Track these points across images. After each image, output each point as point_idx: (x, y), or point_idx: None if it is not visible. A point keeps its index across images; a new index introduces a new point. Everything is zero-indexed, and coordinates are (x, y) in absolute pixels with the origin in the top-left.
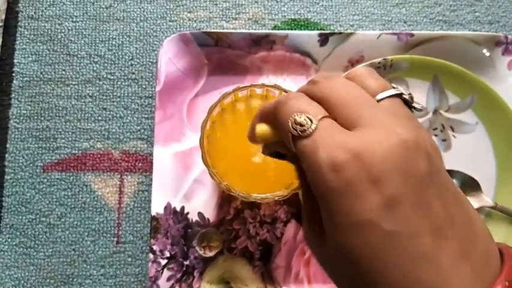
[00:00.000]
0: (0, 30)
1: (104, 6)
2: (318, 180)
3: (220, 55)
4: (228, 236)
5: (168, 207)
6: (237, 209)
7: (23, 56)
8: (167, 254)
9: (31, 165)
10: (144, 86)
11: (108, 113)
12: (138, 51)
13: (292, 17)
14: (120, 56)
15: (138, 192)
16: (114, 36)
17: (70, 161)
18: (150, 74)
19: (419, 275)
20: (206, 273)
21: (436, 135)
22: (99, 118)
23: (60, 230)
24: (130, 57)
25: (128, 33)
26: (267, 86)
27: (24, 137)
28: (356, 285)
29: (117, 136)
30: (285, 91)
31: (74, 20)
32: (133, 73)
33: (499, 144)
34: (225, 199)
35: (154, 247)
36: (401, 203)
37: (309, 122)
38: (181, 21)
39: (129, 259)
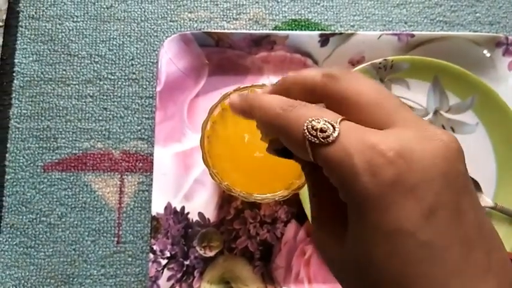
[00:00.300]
0: (1, 30)
1: (104, 6)
2: (352, 186)
3: (221, 55)
4: (229, 236)
5: (168, 207)
6: (238, 209)
7: (23, 55)
8: (167, 254)
9: (32, 165)
10: (144, 86)
11: (108, 113)
12: (138, 51)
13: (293, 17)
14: (121, 56)
15: (138, 192)
16: (114, 36)
17: (70, 161)
18: (151, 74)
19: (450, 287)
20: (206, 273)
21: None
22: (100, 118)
23: (60, 229)
24: (131, 57)
25: (129, 33)
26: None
27: (25, 136)
28: None
29: (118, 136)
30: None
31: (75, 20)
32: (134, 73)
33: (499, 144)
34: (225, 199)
35: (155, 247)
36: (440, 212)
37: (330, 127)
38: (182, 21)
39: (130, 259)
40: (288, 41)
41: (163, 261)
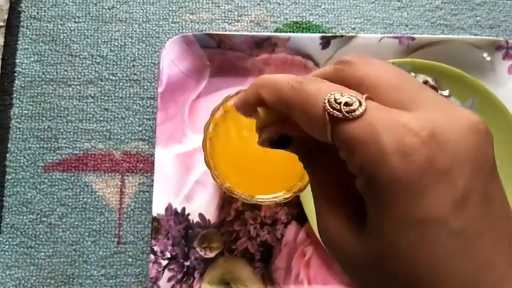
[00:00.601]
0: (3, 30)
1: (106, 7)
2: (378, 169)
3: (222, 57)
4: (229, 237)
5: (169, 208)
6: (238, 211)
7: (25, 56)
8: (168, 255)
9: (32, 165)
10: (146, 87)
11: (109, 113)
12: (140, 53)
13: (294, 19)
14: (123, 57)
15: (139, 193)
16: (116, 37)
17: (71, 161)
18: (152, 75)
19: (479, 279)
20: (207, 274)
21: None
22: (101, 119)
23: (61, 230)
24: (133, 58)
25: (130, 35)
26: None
27: (26, 137)
28: None
29: (119, 137)
30: None
31: (77, 20)
32: (135, 74)
33: (499, 147)
34: (225, 200)
35: (155, 248)
36: (471, 198)
37: (357, 101)
38: (184, 23)
39: (130, 260)
40: (289, 43)
41: (164, 262)
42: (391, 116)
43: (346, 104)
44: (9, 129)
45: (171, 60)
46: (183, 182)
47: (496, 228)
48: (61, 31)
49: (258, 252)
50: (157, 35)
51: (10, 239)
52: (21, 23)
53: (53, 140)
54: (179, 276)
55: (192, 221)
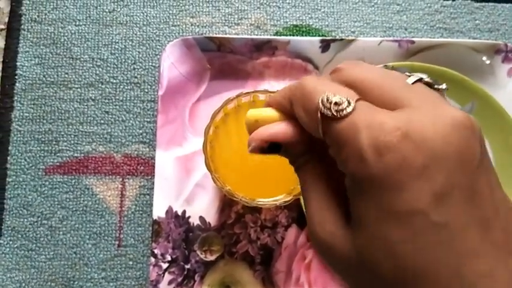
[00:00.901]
0: (4, 33)
1: (107, 10)
2: (357, 167)
3: (223, 60)
4: (229, 240)
5: (169, 211)
6: (238, 213)
7: (25, 59)
8: (168, 258)
9: (33, 167)
10: (146, 90)
11: (110, 116)
12: (140, 56)
13: (294, 23)
14: (123, 60)
15: (139, 196)
16: (117, 40)
17: (72, 164)
18: (153, 78)
19: (466, 271)
20: (207, 277)
21: None
22: (102, 121)
23: (61, 232)
24: (133, 61)
25: (131, 38)
26: (271, 92)
27: (27, 139)
28: (390, 286)
29: (119, 140)
30: None
31: (77, 23)
32: (135, 77)
33: (498, 151)
34: (226, 203)
35: (156, 251)
36: (453, 192)
37: (346, 102)
38: (184, 26)
39: (131, 262)
40: (289, 47)
41: (164, 265)
42: (372, 115)
43: (336, 103)
44: (10, 131)
45: (172, 63)
46: (183, 184)
47: (485, 219)
48: (62, 34)
49: (259, 255)
50: (157, 38)
51: (11, 242)
52: (22, 26)
53: (54, 142)
54: (179, 279)
55: (193, 223)
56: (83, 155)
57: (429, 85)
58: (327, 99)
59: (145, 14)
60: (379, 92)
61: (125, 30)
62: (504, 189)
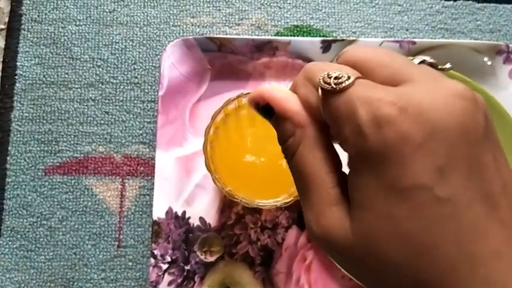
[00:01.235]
0: (4, 32)
1: (107, 10)
2: (357, 142)
3: (223, 60)
4: (229, 241)
5: (169, 211)
6: (238, 214)
7: (26, 59)
8: (168, 259)
9: (33, 168)
10: (146, 90)
11: (110, 116)
12: (141, 56)
13: (295, 23)
14: (123, 60)
15: (139, 197)
16: (117, 40)
17: (72, 165)
18: (153, 79)
19: (474, 248)
20: (207, 278)
21: None
22: (102, 122)
23: (61, 233)
24: (133, 62)
25: (131, 38)
26: None
27: (26, 139)
28: (395, 270)
29: (119, 140)
30: None
31: (78, 23)
32: (136, 77)
33: None
34: (226, 204)
35: (156, 251)
36: (455, 166)
37: (346, 76)
38: (185, 26)
39: (130, 263)
40: (290, 47)
41: (164, 266)
42: (370, 90)
43: (336, 77)
44: (9, 132)
45: (172, 64)
46: (183, 185)
47: (491, 195)
48: (62, 34)
49: (259, 256)
50: (158, 38)
51: (10, 242)
52: (22, 26)
53: (54, 143)
54: (179, 280)
55: (193, 224)
56: (82, 155)
57: (432, 66)
58: (328, 75)
59: (145, 14)
60: (381, 70)
61: (125, 30)
62: None
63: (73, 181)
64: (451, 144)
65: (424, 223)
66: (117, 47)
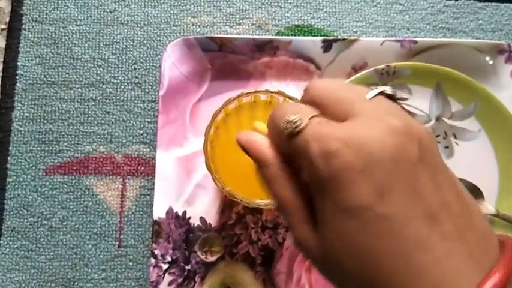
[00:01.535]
0: (4, 32)
1: (108, 10)
2: (311, 172)
3: (224, 60)
4: (230, 241)
5: (170, 211)
6: (239, 214)
7: (26, 58)
8: (169, 259)
9: (33, 168)
10: (147, 90)
11: (111, 116)
12: (141, 56)
13: (296, 23)
14: (124, 60)
15: (140, 196)
16: (118, 40)
17: (72, 164)
18: (154, 78)
19: (413, 260)
20: (207, 278)
21: (438, 142)
22: (102, 122)
23: (61, 233)
24: (134, 61)
25: (132, 38)
26: (271, 92)
27: (27, 139)
28: (352, 278)
29: (120, 140)
30: (289, 97)
31: (78, 23)
32: (136, 77)
33: (502, 151)
34: (227, 204)
35: (156, 251)
36: (392, 189)
37: (300, 120)
38: (185, 26)
39: (131, 263)
40: (290, 47)
41: (165, 266)
42: (322, 128)
43: (294, 122)
44: (10, 132)
45: (173, 63)
46: (184, 185)
47: (430, 213)
48: (63, 34)
49: (259, 256)
50: (158, 38)
51: (11, 242)
52: (23, 26)
53: (54, 143)
54: (180, 280)
55: (193, 224)
56: (83, 155)
57: (390, 97)
58: (287, 121)
59: (146, 13)
60: (335, 106)
61: (126, 30)
62: (507, 191)
63: (74, 181)
64: (386, 171)
65: (369, 238)
66: (117, 46)
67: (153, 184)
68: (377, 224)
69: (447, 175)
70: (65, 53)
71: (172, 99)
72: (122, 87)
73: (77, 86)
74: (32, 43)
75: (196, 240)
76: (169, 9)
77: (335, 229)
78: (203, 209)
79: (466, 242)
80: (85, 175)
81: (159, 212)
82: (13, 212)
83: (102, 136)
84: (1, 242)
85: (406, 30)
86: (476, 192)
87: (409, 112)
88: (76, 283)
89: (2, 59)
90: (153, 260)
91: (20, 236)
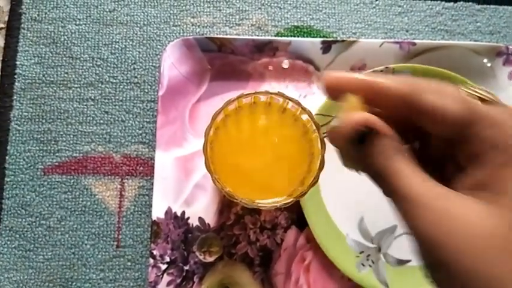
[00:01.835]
0: (3, 32)
1: (107, 10)
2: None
3: (223, 61)
4: (228, 242)
5: (168, 211)
6: (238, 215)
7: (25, 58)
8: (167, 259)
9: (31, 167)
10: (146, 90)
11: (110, 116)
12: (141, 55)
13: (295, 24)
14: (123, 60)
15: (138, 197)
16: (117, 40)
17: (71, 164)
18: (153, 78)
19: None
20: (206, 279)
21: None
22: (101, 121)
23: (59, 233)
24: (133, 61)
25: (131, 37)
26: (271, 93)
27: (25, 139)
28: None
29: (119, 140)
30: (289, 98)
31: (77, 23)
32: (135, 77)
33: None
34: (225, 204)
35: (155, 252)
36: None
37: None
38: (185, 26)
39: (129, 263)
40: (290, 48)
41: (163, 266)
42: None
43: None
44: (8, 131)
45: (172, 64)
46: (182, 185)
47: None
48: (62, 33)
49: (258, 256)
50: (158, 38)
51: (9, 242)
52: (22, 25)
53: (53, 142)
54: (178, 281)
55: (192, 225)
56: (82, 155)
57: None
58: (473, 90)
59: (146, 13)
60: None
61: (125, 30)
62: None
63: (72, 181)
64: None
65: None
66: (117, 46)
67: (152, 184)
68: None
69: None
70: (64, 53)
71: (171, 99)
72: (121, 87)
73: (75, 85)
74: (31, 42)
75: (194, 241)
76: (168, 10)
77: None
78: (202, 209)
79: None
80: (83, 175)
81: (157, 212)
82: (11, 212)
83: (100, 136)
84: None
85: (405, 32)
86: None
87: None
88: (74, 283)
89: (1, 58)
90: (151, 260)
91: (18, 236)
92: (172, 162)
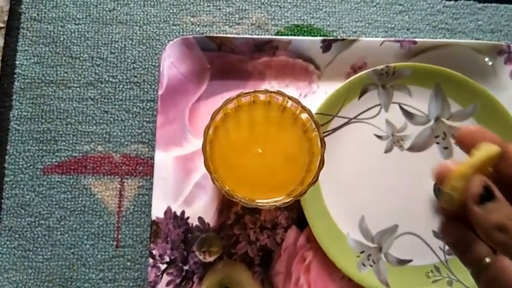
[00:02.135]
0: (3, 31)
1: (107, 9)
2: None
3: (223, 60)
4: (228, 241)
5: (168, 211)
6: (238, 214)
7: (24, 57)
8: (167, 259)
9: (31, 167)
10: (146, 90)
11: (109, 116)
12: (140, 55)
13: (295, 22)
14: (123, 59)
15: (138, 196)
16: (116, 39)
17: (70, 164)
18: (153, 78)
19: None
20: (205, 279)
21: (437, 143)
22: (101, 121)
23: (59, 233)
24: (133, 61)
25: (131, 37)
26: (271, 92)
27: (25, 139)
28: None
29: (118, 139)
30: (289, 97)
31: (77, 22)
32: (135, 76)
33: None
34: (225, 204)
35: (154, 252)
36: None
37: None
38: (185, 25)
39: (129, 263)
40: (290, 47)
41: (163, 266)
42: None
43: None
44: (8, 131)
45: (172, 63)
46: (182, 185)
47: None
48: (61, 33)
49: (258, 256)
50: (157, 38)
51: (8, 242)
52: (22, 25)
53: (52, 142)
54: (178, 281)
55: (192, 224)
56: (81, 154)
57: None
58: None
59: (145, 13)
60: None
61: (124, 29)
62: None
63: (71, 180)
64: None
65: None
66: (116, 46)
67: (152, 184)
68: None
69: None
70: (64, 52)
71: (171, 98)
72: (121, 86)
73: (75, 85)
74: (30, 42)
75: (194, 241)
76: (168, 9)
77: None
78: (201, 209)
79: None
80: (83, 175)
81: (157, 212)
82: (10, 212)
83: (100, 135)
84: None
85: (406, 30)
86: None
87: (408, 113)
88: (74, 283)
89: (0, 58)
90: (151, 260)
91: (17, 236)
92: (172, 162)
